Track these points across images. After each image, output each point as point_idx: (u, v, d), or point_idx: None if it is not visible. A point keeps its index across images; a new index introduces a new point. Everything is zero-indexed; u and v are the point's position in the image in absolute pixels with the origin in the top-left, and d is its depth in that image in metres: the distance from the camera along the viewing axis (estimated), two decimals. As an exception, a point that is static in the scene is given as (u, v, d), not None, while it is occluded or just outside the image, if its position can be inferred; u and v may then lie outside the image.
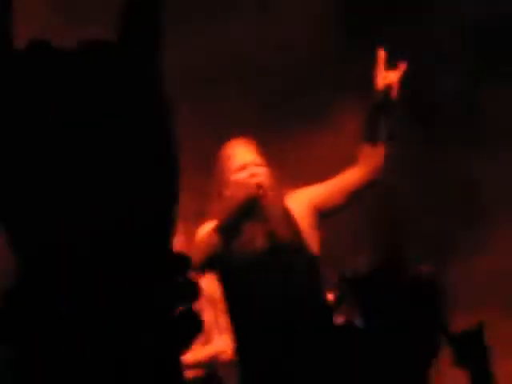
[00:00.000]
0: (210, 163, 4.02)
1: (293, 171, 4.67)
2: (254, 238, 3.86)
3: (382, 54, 3.90)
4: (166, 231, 1.67)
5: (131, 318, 1.58)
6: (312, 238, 3.94)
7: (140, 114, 1.69)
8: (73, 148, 1.65)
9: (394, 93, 3.89)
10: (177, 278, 1.66)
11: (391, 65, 3.92)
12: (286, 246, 3.87)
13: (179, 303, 1.64)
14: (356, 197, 3.99)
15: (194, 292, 1.69)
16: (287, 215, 3.93)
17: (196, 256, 3.72)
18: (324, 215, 3.98)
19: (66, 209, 1.59)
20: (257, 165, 3.93)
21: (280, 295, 3.78)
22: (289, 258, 3.85)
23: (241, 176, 3.88)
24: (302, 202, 3.98)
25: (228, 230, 3.79)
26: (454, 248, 5.55)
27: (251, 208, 3.83)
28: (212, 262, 3.81)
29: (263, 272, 3.82)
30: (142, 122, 1.69)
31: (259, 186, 3.85)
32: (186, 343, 1.36)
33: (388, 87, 3.89)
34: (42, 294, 1.60)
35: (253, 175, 3.88)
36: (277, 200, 3.94)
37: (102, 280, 1.61)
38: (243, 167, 3.89)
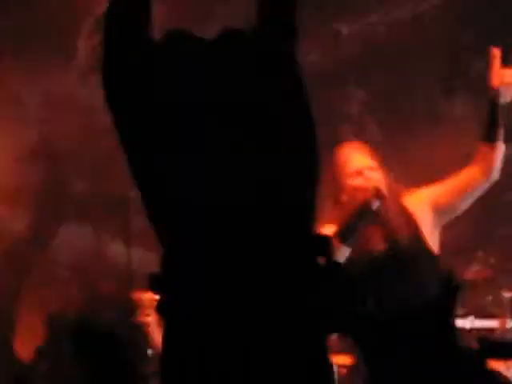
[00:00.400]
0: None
1: (414, 171, 4.67)
2: (374, 241, 3.89)
3: (496, 52, 3.90)
4: (311, 212, 1.74)
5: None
6: (433, 239, 3.95)
7: (284, 98, 1.76)
8: (221, 130, 1.73)
9: (511, 91, 3.90)
10: (320, 258, 1.77)
11: (506, 63, 3.91)
12: (407, 248, 3.87)
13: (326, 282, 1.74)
14: (474, 196, 3.97)
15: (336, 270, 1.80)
16: (406, 216, 3.94)
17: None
18: (444, 215, 3.98)
19: (214, 194, 1.69)
20: (372, 169, 3.98)
21: (401, 300, 3.79)
22: (410, 260, 3.85)
23: (357, 181, 3.94)
24: (422, 202, 3.99)
25: (348, 235, 3.82)
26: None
27: (370, 212, 3.85)
28: None
29: (383, 277, 3.84)
30: (287, 108, 1.75)
31: (377, 190, 3.89)
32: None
33: (504, 86, 3.88)
34: (189, 276, 1.70)
35: (369, 180, 3.93)
36: (395, 202, 3.96)
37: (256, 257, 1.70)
38: (359, 172, 3.93)
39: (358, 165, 3.96)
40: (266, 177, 1.71)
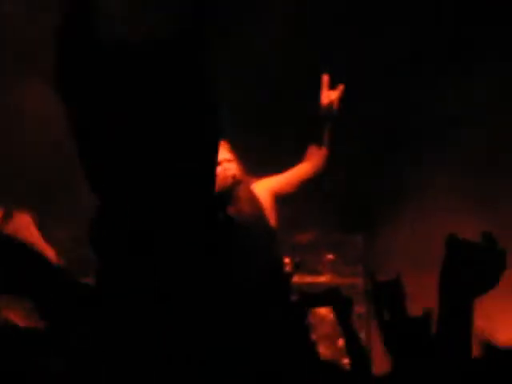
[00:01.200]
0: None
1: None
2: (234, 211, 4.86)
3: (325, 78, 5.00)
4: (210, 175, 2.29)
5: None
6: (271, 215, 5.01)
7: (190, 94, 2.21)
8: (146, 116, 2.37)
9: (335, 107, 5.00)
10: (219, 214, 2.26)
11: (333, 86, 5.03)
12: (250, 221, 4.87)
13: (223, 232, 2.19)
14: (303, 185, 5.10)
15: (231, 224, 2.35)
16: (252, 198, 4.98)
17: None
18: (280, 198, 5.07)
19: (137, 159, 2.39)
20: (229, 161, 4.99)
21: (246, 259, 5.02)
22: (252, 230, 4.84)
23: (218, 170, 5.09)
24: (264, 189, 5.05)
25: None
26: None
27: (227, 193, 4.85)
28: None
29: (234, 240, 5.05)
30: (193, 100, 2.19)
31: (232, 177, 4.92)
32: None
33: (330, 104, 4.99)
34: (118, 222, 2.14)
35: (226, 169, 4.94)
36: (244, 188, 4.98)
37: (160, 213, 2.17)
38: (219, 163, 4.87)
39: (219, 158, 5.16)
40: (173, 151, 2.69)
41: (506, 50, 6.75)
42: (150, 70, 2.25)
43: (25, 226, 5.97)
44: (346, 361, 6.55)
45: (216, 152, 2.35)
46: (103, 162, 2.25)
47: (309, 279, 6.78)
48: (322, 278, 7.09)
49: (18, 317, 6.57)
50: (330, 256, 7.35)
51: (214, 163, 2.35)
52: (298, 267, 5.13)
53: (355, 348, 3.83)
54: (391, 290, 3.52)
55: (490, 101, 6.61)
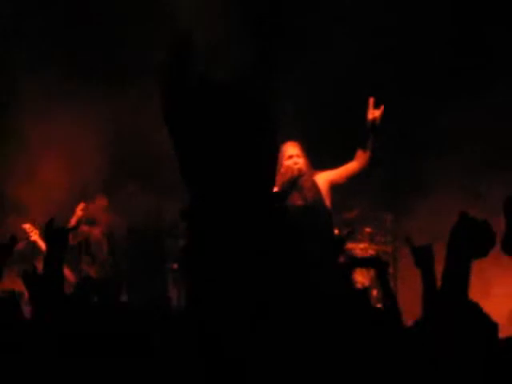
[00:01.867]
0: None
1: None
2: (295, 198, 6.29)
3: (371, 100, 6.18)
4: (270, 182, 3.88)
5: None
6: (327, 199, 6.36)
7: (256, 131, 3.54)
8: (227, 137, 3.50)
9: (377, 122, 6.17)
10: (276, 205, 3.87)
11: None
12: (312, 204, 6.29)
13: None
14: (352, 178, 6.41)
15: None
16: (314, 185, 6.33)
17: None
18: (334, 186, 6.43)
19: (221, 167, 3.49)
20: (298, 156, 6.38)
21: (310, 230, 6.16)
22: (314, 210, 6.34)
23: (288, 162, 6.36)
24: (323, 179, 6.39)
25: (282, 194, 6.22)
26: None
27: (294, 181, 6.30)
28: None
29: (300, 217, 6.26)
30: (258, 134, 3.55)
31: (299, 170, 6.31)
32: None
33: (373, 119, 6.16)
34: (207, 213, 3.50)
35: (295, 162, 6.37)
36: (309, 177, 6.31)
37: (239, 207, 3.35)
38: (291, 157, 6.38)
39: (290, 152, 6.42)
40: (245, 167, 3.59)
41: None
42: (231, 103, 3.19)
43: (100, 210, 7.89)
44: (379, 305, 8.45)
45: (275, 160, 3.35)
46: (198, 170, 3.25)
47: (352, 245, 8.46)
48: (361, 245, 8.88)
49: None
50: (368, 229, 9.10)
51: (274, 169, 3.49)
52: (348, 237, 6.07)
53: (388, 296, 4.25)
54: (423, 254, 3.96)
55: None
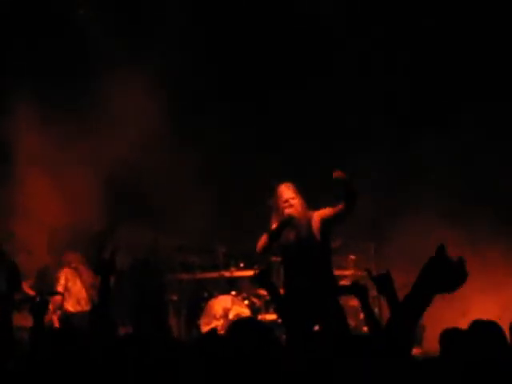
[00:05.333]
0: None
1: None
2: (290, 236, 6.96)
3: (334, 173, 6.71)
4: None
5: None
6: (321, 236, 6.91)
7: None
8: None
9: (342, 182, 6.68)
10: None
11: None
12: (306, 237, 6.91)
13: None
14: (340, 217, 6.92)
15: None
16: (308, 223, 6.92)
17: (261, 242, 6.97)
18: (325, 222, 6.92)
19: None
20: (293, 198, 6.95)
21: (302, 265, 6.89)
22: (307, 247, 6.93)
23: (285, 205, 6.98)
24: (317, 217, 6.93)
25: (274, 236, 6.96)
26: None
27: (287, 223, 6.96)
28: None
29: (294, 252, 6.96)
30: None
31: (289, 214, 6.92)
32: None
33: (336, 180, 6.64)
34: None
35: (290, 205, 6.97)
36: (304, 216, 6.92)
37: None
38: (286, 201, 6.98)
39: (286, 196, 6.98)
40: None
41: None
42: None
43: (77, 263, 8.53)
44: (365, 328, 9.12)
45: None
46: None
47: (338, 272, 8.90)
48: (347, 272, 9.55)
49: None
50: (353, 256, 9.78)
51: None
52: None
53: (371, 320, 4.45)
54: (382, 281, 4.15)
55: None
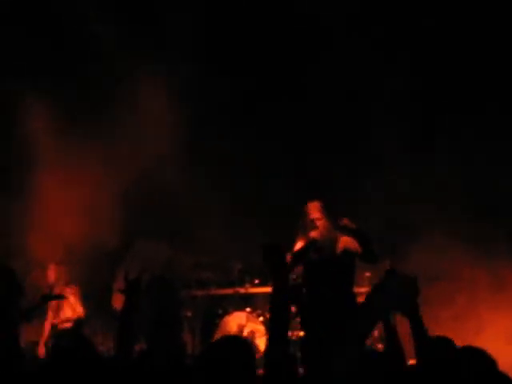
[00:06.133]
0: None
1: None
2: (313, 256, 7.05)
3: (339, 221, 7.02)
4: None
5: None
6: (342, 256, 7.11)
7: None
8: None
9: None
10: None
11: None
12: (328, 259, 7.09)
13: None
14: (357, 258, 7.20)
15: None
16: (332, 245, 7.08)
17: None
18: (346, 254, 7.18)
19: None
20: (319, 219, 7.15)
21: (322, 282, 7.10)
22: (329, 265, 7.09)
23: (311, 225, 7.14)
24: (343, 242, 7.10)
25: (296, 259, 6.94)
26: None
27: (313, 245, 7.05)
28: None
29: (319, 268, 7.14)
30: None
31: (313, 237, 7.03)
32: None
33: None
34: None
35: (316, 226, 7.10)
36: (327, 236, 7.08)
37: None
38: (312, 221, 7.13)
39: (312, 216, 7.12)
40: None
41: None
42: None
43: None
44: (379, 346, 9.16)
45: None
46: None
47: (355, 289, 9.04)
48: (363, 289, 9.48)
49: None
50: (368, 273, 9.82)
51: None
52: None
53: (391, 336, 4.44)
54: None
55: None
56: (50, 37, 10.01)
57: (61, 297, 8.69)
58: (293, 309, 7.66)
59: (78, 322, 9.18)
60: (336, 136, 10.26)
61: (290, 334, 9.30)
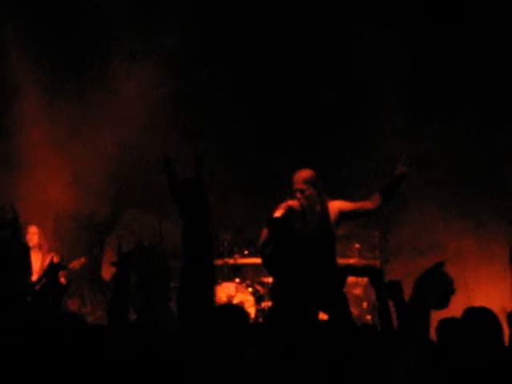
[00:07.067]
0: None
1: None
2: (296, 226, 6.87)
3: (403, 156, 6.89)
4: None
5: None
6: (336, 225, 6.90)
7: None
8: None
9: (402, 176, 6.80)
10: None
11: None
12: (313, 231, 6.87)
13: None
14: (361, 215, 7.05)
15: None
16: (324, 211, 6.84)
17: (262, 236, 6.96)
18: (342, 216, 6.92)
19: None
20: (301, 190, 6.82)
21: (311, 250, 6.87)
22: (315, 236, 6.88)
23: (291, 196, 6.87)
24: (335, 207, 6.86)
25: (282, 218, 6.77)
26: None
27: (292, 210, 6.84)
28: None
29: (302, 239, 6.89)
30: None
31: (306, 199, 6.79)
32: None
33: (400, 174, 6.79)
34: None
35: (296, 197, 6.87)
36: (310, 209, 6.84)
37: None
38: (294, 191, 6.84)
39: (296, 186, 6.82)
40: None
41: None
42: None
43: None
44: (368, 317, 9.18)
45: None
46: None
47: (342, 261, 8.71)
48: (352, 260, 9.47)
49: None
50: (357, 245, 9.73)
51: None
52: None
53: (382, 304, 4.32)
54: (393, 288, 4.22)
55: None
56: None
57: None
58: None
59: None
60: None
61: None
